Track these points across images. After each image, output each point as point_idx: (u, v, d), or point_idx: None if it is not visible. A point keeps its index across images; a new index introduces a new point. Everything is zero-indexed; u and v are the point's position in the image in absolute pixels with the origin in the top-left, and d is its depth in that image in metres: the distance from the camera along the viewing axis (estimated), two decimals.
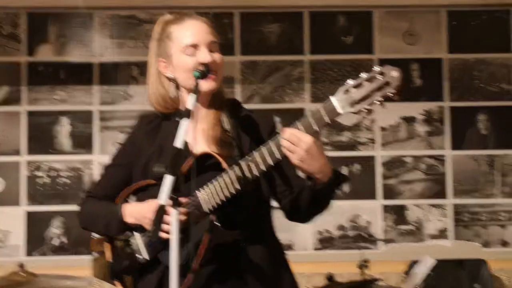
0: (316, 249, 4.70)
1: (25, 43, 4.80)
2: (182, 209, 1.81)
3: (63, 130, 4.75)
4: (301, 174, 1.99)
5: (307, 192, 1.93)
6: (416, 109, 4.80)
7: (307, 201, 1.95)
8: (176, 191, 1.66)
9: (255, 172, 1.88)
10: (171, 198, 1.66)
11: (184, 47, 2.02)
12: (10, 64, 4.78)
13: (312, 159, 1.80)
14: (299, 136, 1.80)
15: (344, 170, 4.68)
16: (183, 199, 1.84)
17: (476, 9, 4.87)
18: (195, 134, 1.92)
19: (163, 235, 1.89)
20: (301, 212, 2.01)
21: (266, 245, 2.01)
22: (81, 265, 4.28)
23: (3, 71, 4.78)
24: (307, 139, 1.80)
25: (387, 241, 4.71)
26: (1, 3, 4.76)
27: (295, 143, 1.80)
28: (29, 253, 4.64)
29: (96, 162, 4.59)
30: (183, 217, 1.75)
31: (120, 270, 2.09)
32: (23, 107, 4.75)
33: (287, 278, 2.05)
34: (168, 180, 1.64)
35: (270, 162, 1.87)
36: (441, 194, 4.76)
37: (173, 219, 1.66)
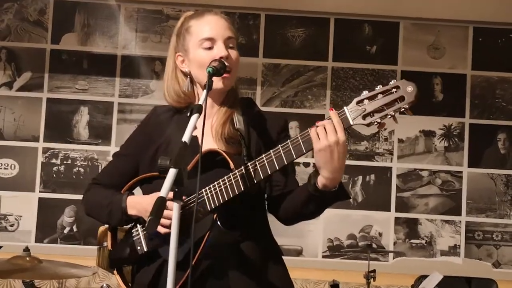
0: (325, 256, 4.68)
1: (51, 30, 4.83)
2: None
3: (82, 119, 4.78)
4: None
5: (305, 190, 1.90)
6: (436, 123, 4.77)
7: (301, 200, 1.92)
8: (179, 185, 1.64)
9: (260, 176, 1.87)
10: (173, 191, 1.65)
11: (201, 41, 2.02)
12: (34, 50, 4.82)
13: (332, 155, 1.78)
14: (335, 128, 1.78)
15: (360, 180, 4.67)
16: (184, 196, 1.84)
17: (503, 27, 4.83)
18: (205, 130, 1.91)
19: (160, 229, 1.90)
20: (289, 210, 1.99)
21: (263, 245, 2.00)
22: (89, 255, 4.32)
23: (27, 57, 4.82)
24: (340, 135, 1.78)
25: (397, 253, 4.67)
26: None
27: (328, 131, 1.78)
28: (40, 239, 4.67)
29: (113, 153, 4.60)
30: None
31: (118, 260, 2.10)
32: (44, 94, 4.78)
33: (279, 277, 2.03)
34: (171, 173, 1.62)
35: (277, 167, 1.86)
36: (455, 211, 4.72)
37: (174, 212, 1.64)
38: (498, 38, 4.84)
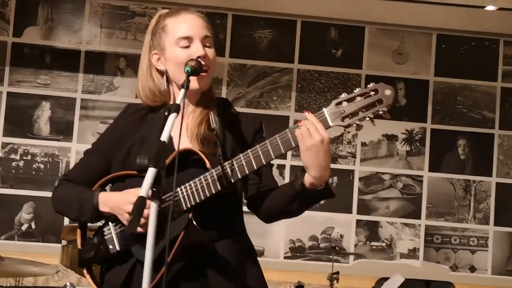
0: (286, 257, 4.69)
1: (13, 23, 4.73)
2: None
3: (43, 115, 4.69)
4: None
5: (291, 188, 1.90)
6: (398, 128, 4.84)
7: (286, 198, 1.92)
8: (157, 185, 1.63)
9: (238, 175, 1.87)
10: (152, 191, 1.63)
11: (178, 39, 2.00)
12: None
13: (318, 153, 1.79)
14: (319, 127, 1.79)
15: None
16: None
17: (467, 36, 4.92)
18: (180, 130, 1.90)
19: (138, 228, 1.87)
20: (271, 207, 1.99)
21: (238, 245, 2.00)
22: (48, 252, 4.25)
23: None
24: (324, 134, 1.79)
25: (357, 256, 4.72)
26: None
27: (311, 130, 1.79)
28: None
29: (74, 150, 4.54)
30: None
31: (89, 259, 2.06)
32: (5, 87, 4.68)
33: (255, 277, 2.03)
34: (150, 173, 1.62)
35: (255, 167, 1.86)
36: (415, 214, 4.79)
37: (152, 212, 1.64)
38: (460, 46, 4.93)
